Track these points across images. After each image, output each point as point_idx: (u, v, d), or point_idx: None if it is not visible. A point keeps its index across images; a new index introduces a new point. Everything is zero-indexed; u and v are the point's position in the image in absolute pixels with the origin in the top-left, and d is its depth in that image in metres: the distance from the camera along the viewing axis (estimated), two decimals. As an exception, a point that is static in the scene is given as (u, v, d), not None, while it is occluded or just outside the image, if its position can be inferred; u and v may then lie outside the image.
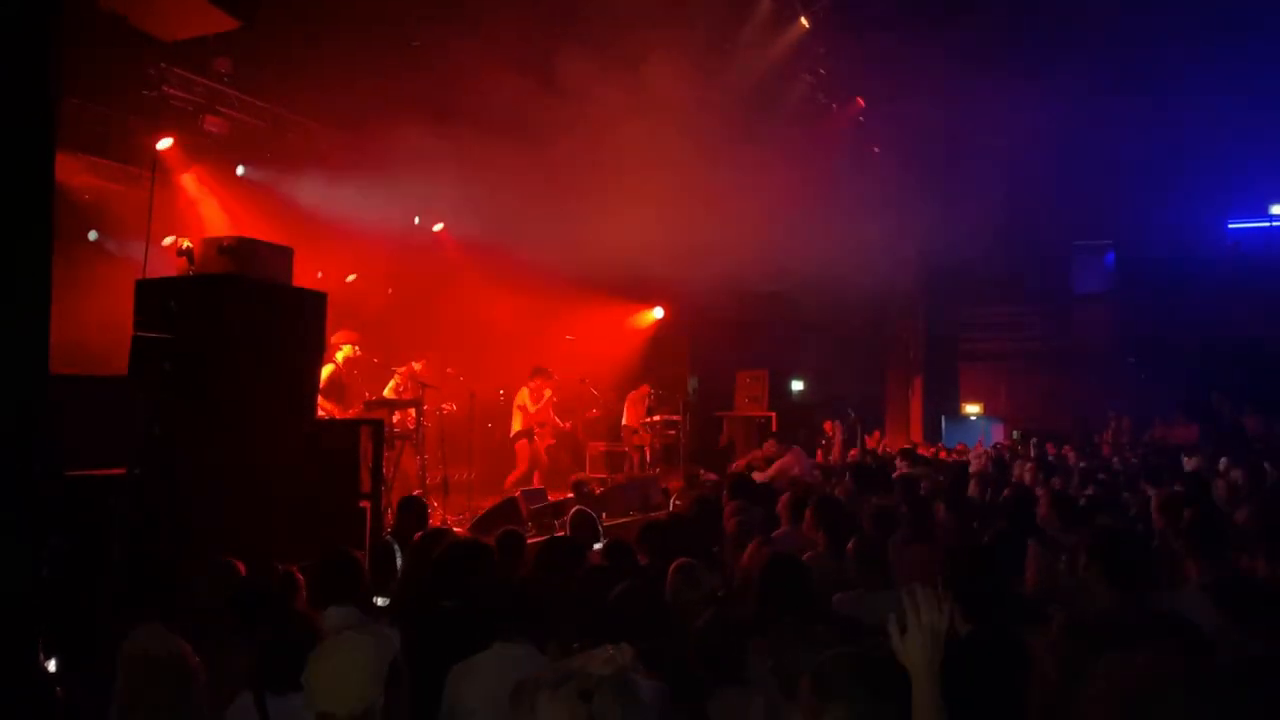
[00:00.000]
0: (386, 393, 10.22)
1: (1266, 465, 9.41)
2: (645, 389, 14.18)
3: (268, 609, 3.93)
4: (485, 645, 3.48)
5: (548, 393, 11.97)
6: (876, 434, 17.08)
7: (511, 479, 11.39)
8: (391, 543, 6.07)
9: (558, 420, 12.64)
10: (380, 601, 5.08)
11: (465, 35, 10.56)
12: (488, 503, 10.12)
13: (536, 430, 12.02)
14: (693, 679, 3.14)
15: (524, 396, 11.84)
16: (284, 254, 6.85)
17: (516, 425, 11.84)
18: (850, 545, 4.68)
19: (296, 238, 7.76)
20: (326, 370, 9.47)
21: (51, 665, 4.40)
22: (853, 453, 14.93)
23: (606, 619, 3.62)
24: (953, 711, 3.02)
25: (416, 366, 10.41)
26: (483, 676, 3.37)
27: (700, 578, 4.15)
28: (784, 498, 6.53)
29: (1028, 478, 9.28)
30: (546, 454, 12.35)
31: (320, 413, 9.12)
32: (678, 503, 10.12)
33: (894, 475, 9.13)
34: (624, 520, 10.09)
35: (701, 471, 12.59)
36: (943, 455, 14.22)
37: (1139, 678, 1.45)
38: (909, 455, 11.86)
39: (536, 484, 10.92)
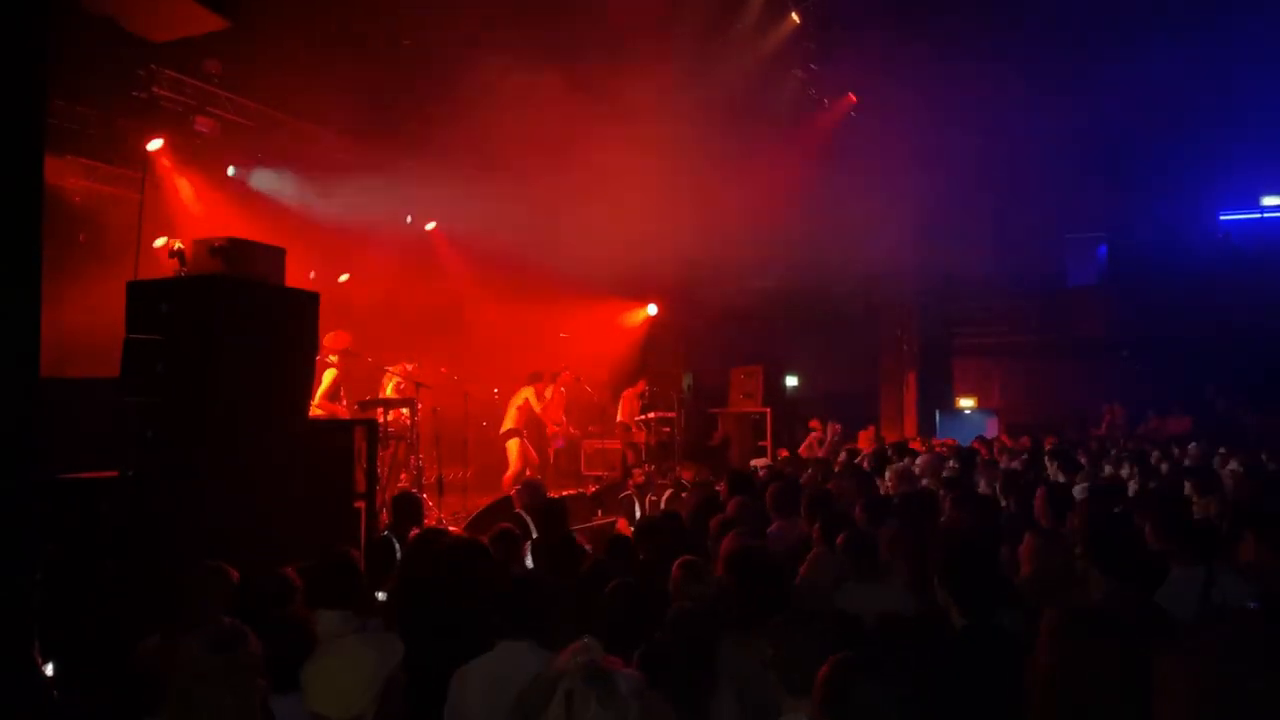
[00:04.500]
0: (389, 392, 10.18)
1: (1263, 456, 9.47)
2: (640, 385, 14.19)
3: (266, 612, 3.93)
4: (486, 646, 3.46)
5: (549, 392, 11.96)
6: (872, 429, 17.07)
7: (509, 478, 11.34)
8: (391, 538, 6.08)
9: (568, 425, 12.70)
10: (380, 595, 5.10)
11: (457, 34, 10.54)
12: (483, 502, 10.14)
13: (548, 430, 12.07)
14: (678, 673, 3.15)
15: (529, 394, 11.77)
16: (276, 254, 6.83)
17: (509, 424, 11.74)
18: (840, 539, 4.67)
19: (289, 237, 7.74)
20: (329, 375, 9.45)
21: (49, 669, 4.39)
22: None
23: (601, 615, 3.63)
24: (950, 705, 3.03)
25: (410, 368, 10.34)
26: (486, 677, 3.35)
27: (704, 574, 4.15)
28: (770, 491, 6.52)
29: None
30: (555, 456, 12.46)
31: (322, 414, 9.11)
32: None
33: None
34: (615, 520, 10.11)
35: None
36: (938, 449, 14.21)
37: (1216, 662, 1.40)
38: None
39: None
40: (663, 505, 9.74)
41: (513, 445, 11.62)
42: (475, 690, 3.35)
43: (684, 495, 9.44)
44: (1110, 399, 17.14)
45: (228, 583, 4.25)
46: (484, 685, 3.34)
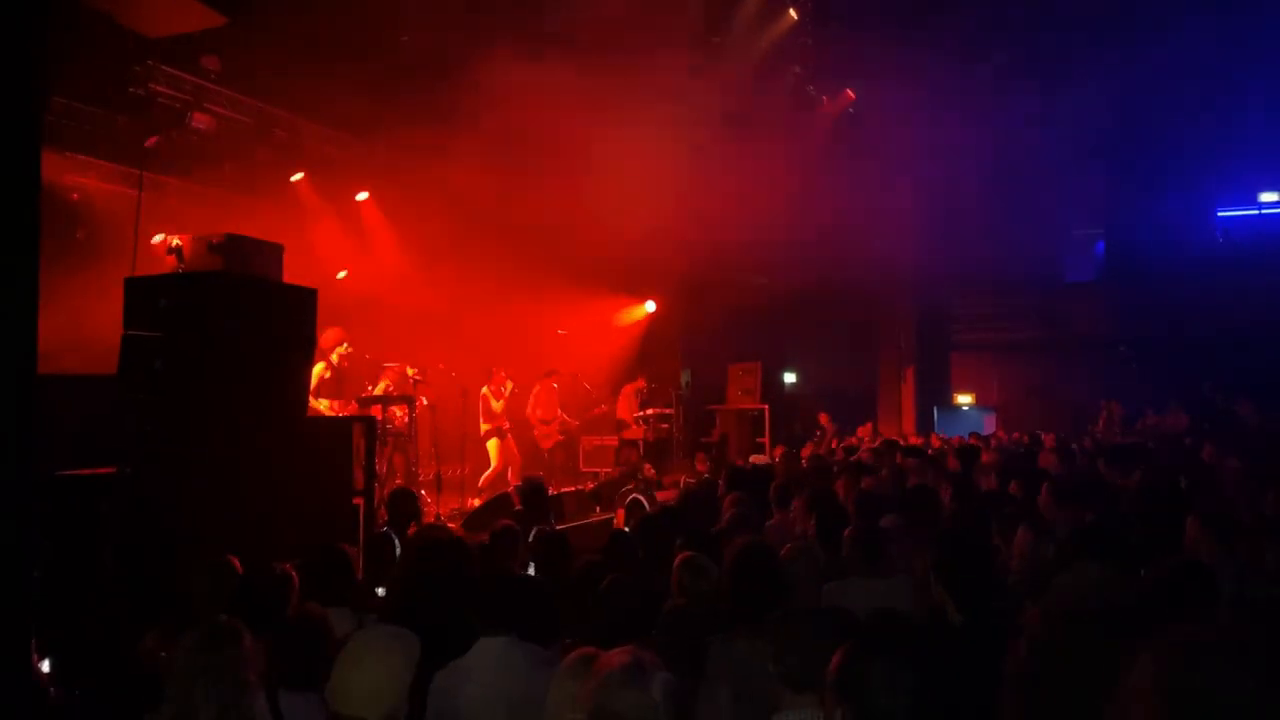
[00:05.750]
0: (378, 391, 10.14)
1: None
2: (640, 382, 14.19)
3: (275, 607, 3.93)
4: (466, 645, 3.44)
5: (509, 385, 11.83)
6: (869, 425, 17.09)
7: (486, 479, 11.30)
8: (390, 534, 6.09)
9: (566, 417, 12.69)
10: (380, 591, 5.11)
11: (453, 30, 10.52)
12: (481, 499, 10.13)
13: (540, 427, 12.28)
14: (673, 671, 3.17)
15: (485, 392, 11.64)
16: (274, 250, 6.83)
17: (483, 425, 11.66)
18: (847, 533, 4.67)
19: (288, 234, 7.72)
20: (317, 369, 9.42)
21: (45, 666, 4.39)
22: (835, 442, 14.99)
23: (596, 611, 3.63)
24: (949, 703, 3.03)
25: (411, 371, 10.25)
26: (464, 674, 3.34)
27: (706, 570, 4.14)
28: (773, 485, 6.54)
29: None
30: (551, 455, 12.57)
31: (314, 411, 9.09)
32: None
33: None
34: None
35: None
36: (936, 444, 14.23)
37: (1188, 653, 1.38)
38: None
39: (514, 480, 10.81)
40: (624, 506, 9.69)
41: (491, 445, 11.55)
42: (454, 688, 3.34)
43: (648, 496, 9.50)
44: (1108, 395, 17.14)
45: (234, 577, 4.26)
46: (463, 682, 3.33)
